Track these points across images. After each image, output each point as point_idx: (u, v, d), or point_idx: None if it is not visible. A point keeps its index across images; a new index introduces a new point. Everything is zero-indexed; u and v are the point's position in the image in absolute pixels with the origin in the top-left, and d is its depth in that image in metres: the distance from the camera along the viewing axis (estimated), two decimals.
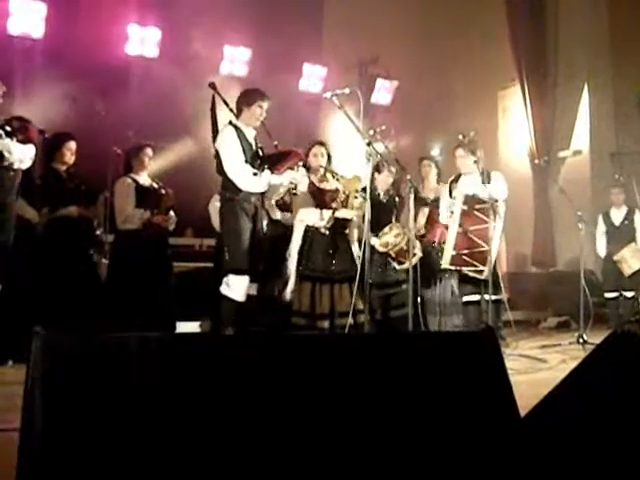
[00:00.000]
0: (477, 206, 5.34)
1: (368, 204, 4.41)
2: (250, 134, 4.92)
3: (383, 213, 5.75)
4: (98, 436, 1.36)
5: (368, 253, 4.33)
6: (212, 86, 5.12)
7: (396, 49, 10.17)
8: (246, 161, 4.77)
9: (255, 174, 4.75)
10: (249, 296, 4.94)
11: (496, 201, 5.44)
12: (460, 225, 5.32)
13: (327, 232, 5.23)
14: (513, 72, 10.26)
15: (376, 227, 5.57)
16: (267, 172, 4.80)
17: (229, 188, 4.82)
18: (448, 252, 5.37)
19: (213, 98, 5.15)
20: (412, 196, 4.73)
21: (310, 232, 5.23)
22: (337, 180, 5.27)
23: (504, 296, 5.51)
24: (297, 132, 8.77)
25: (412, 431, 1.49)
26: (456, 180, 5.98)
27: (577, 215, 6.24)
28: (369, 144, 4.17)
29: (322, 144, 5.45)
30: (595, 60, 9.76)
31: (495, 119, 10.97)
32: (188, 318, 6.42)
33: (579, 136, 10.01)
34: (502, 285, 5.39)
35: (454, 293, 6.18)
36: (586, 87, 9.89)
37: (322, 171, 5.32)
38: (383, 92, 10.84)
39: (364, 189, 5.02)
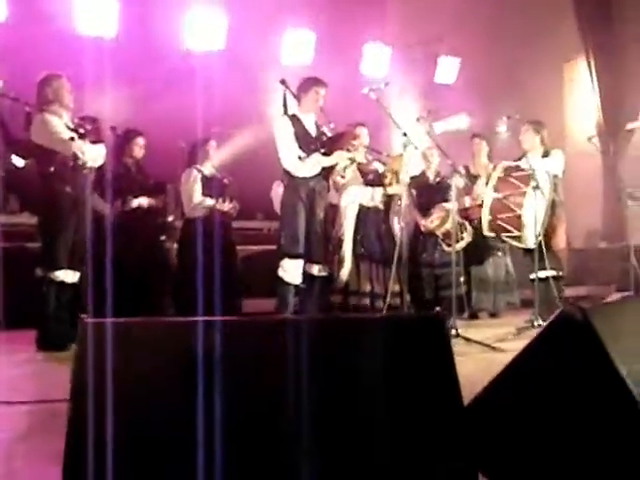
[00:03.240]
0: (514, 174, 5.34)
1: (405, 190, 4.61)
2: (309, 120, 5.16)
3: (433, 195, 5.93)
4: (125, 411, 1.66)
5: (406, 236, 4.52)
6: (283, 82, 5.29)
7: (460, 22, 10.09)
8: (300, 147, 5.00)
9: (300, 158, 4.97)
10: (317, 277, 5.19)
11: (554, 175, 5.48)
12: (495, 191, 5.33)
13: (380, 210, 5.41)
14: (578, 43, 10.07)
15: (426, 209, 5.77)
16: (315, 155, 5.00)
17: (287, 174, 5.12)
18: (485, 218, 5.39)
19: (284, 95, 5.28)
20: (455, 180, 4.89)
21: (362, 212, 5.41)
22: (378, 160, 5.46)
23: (551, 272, 5.48)
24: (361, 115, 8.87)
25: (354, 412, 1.68)
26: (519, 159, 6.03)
27: (626, 192, 6.23)
28: (405, 134, 4.38)
29: (363, 125, 5.62)
30: None
31: (561, 91, 10.81)
32: (256, 297, 6.78)
33: None
34: (548, 262, 5.38)
35: (509, 272, 6.31)
36: None
37: (363, 151, 5.49)
38: (447, 70, 10.83)
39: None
